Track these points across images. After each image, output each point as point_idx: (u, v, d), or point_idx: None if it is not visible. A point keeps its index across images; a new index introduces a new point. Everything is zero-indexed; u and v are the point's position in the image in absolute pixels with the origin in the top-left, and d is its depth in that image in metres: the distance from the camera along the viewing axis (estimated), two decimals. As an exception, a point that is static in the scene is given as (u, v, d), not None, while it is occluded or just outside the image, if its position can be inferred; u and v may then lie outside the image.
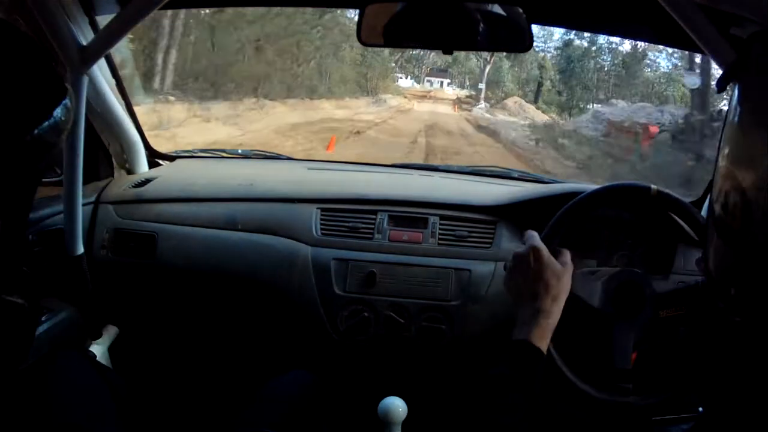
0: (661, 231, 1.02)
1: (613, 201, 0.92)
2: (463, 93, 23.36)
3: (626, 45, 16.09)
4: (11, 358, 0.32)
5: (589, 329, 0.87)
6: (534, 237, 0.77)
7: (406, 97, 20.86)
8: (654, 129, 9.14)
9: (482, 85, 20.52)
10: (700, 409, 0.94)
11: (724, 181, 0.36)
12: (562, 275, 0.74)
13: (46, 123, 0.32)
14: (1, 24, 0.33)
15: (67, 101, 0.34)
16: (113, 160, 1.26)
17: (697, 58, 7.36)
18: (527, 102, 17.93)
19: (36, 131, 0.32)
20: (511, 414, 0.62)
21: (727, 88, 0.40)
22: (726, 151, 0.36)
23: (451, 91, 24.51)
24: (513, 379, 0.65)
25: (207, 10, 9.10)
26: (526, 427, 0.62)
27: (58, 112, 0.33)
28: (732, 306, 0.36)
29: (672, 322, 0.87)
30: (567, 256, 0.78)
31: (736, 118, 0.35)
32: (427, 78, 25.01)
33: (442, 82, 25.07)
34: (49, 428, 0.71)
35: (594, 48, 16.76)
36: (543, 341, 0.69)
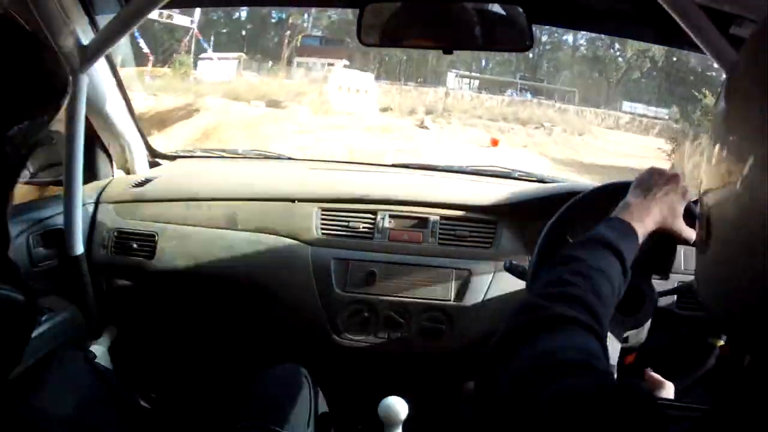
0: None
1: None
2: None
3: None
4: (5, 358, 0.31)
5: None
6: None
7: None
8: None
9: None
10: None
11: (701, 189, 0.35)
12: (676, 223, 0.69)
13: (28, 121, 0.32)
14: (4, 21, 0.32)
15: (61, 102, 0.33)
16: (113, 160, 1.26)
17: None
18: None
19: (18, 127, 0.31)
20: (603, 276, 0.53)
21: None
22: (706, 158, 0.35)
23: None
24: (612, 243, 0.58)
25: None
26: (613, 302, 0.54)
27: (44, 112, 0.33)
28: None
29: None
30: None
31: (717, 123, 0.34)
32: (299, 59, 12.60)
33: (328, 65, 11.30)
34: (48, 427, 0.71)
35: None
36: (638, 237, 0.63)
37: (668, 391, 0.71)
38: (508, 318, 0.48)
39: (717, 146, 0.33)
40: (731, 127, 0.32)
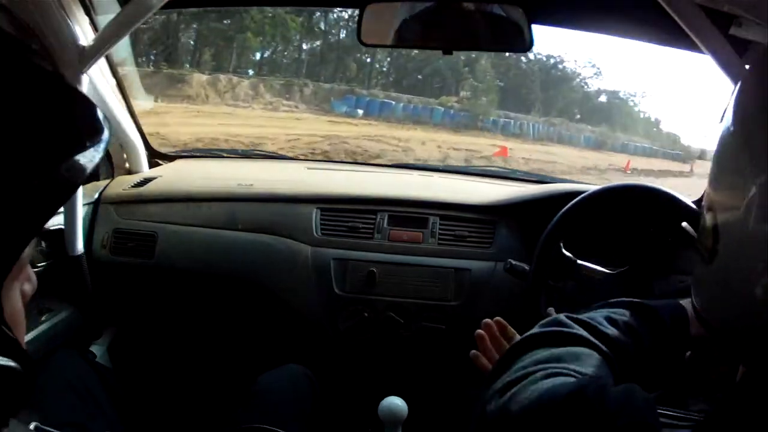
0: (661, 231, 1.02)
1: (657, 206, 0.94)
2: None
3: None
4: None
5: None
6: None
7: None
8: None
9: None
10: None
11: (706, 200, 0.36)
12: None
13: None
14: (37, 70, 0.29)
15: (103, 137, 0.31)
16: (113, 159, 1.26)
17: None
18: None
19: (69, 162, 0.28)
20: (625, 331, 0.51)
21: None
22: (711, 171, 0.35)
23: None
24: (661, 316, 0.56)
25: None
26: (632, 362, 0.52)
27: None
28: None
29: None
30: None
31: (723, 140, 0.34)
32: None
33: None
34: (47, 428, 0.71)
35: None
36: None
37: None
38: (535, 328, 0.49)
39: (723, 160, 0.33)
40: (738, 146, 0.32)
